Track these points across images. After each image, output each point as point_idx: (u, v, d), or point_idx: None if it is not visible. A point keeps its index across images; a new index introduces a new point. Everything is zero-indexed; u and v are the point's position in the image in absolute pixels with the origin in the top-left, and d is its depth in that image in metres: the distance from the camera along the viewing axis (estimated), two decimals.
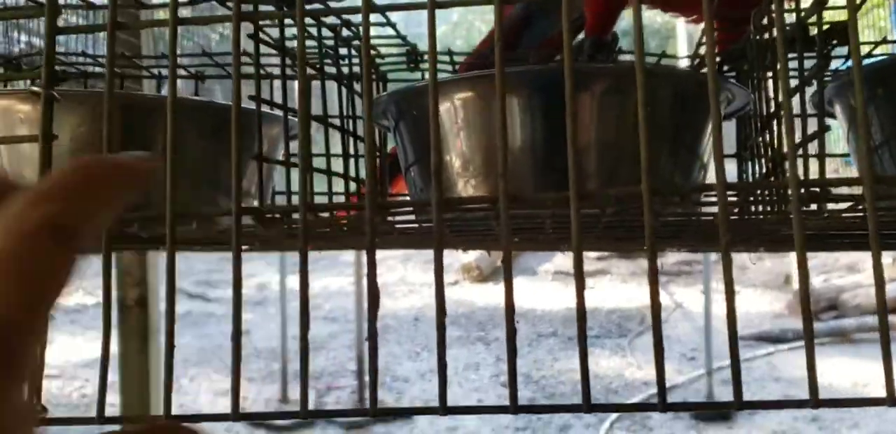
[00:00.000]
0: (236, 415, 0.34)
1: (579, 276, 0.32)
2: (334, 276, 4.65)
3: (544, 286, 4.72)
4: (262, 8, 0.44)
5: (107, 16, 0.32)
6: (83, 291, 4.75)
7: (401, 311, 4.42)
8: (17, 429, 0.20)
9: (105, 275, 0.35)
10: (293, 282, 3.77)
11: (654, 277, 0.31)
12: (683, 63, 0.86)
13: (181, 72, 0.63)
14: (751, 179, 0.53)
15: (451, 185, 0.43)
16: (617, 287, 4.80)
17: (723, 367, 3.34)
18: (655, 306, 0.31)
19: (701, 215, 0.44)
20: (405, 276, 5.10)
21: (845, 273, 4.94)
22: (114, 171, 0.23)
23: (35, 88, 0.35)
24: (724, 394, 3.02)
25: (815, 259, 4.57)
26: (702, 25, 0.67)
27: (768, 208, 0.43)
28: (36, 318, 0.20)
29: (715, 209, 0.33)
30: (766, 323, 4.32)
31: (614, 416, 2.88)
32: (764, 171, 0.50)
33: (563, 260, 4.83)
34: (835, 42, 0.58)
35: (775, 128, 0.47)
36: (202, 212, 0.37)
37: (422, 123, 0.44)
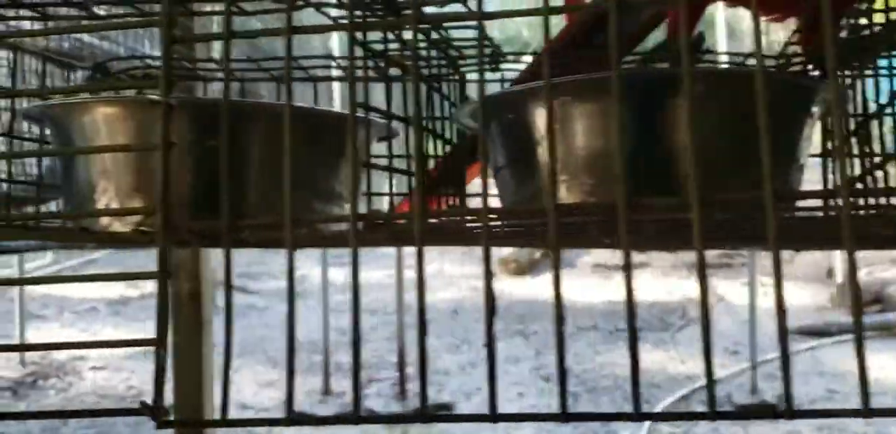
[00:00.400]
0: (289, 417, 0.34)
1: (702, 278, 0.31)
2: (373, 268, 4.67)
3: (584, 279, 4.70)
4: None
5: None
6: (126, 284, 4.82)
7: (439, 304, 4.43)
8: None
9: (226, 274, 0.36)
10: (334, 274, 3.78)
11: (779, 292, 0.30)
12: (723, 59, 0.85)
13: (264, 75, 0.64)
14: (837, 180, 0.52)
15: (546, 191, 0.43)
16: (658, 280, 4.76)
17: (766, 360, 3.31)
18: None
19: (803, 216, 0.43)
20: (442, 268, 5.11)
21: (890, 266, 4.87)
22: None
23: (154, 97, 0.35)
24: (768, 389, 2.99)
25: (860, 252, 4.50)
26: (774, 24, 0.66)
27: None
28: None
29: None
30: (809, 316, 4.27)
31: (658, 409, 2.86)
32: (857, 173, 0.49)
33: (603, 253, 4.81)
34: None
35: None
36: (316, 218, 0.37)
37: (516, 128, 0.44)
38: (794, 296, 4.69)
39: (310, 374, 3.24)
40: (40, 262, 4.80)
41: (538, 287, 4.71)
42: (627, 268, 0.31)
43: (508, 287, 4.77)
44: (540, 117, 0.42)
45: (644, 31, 0.57)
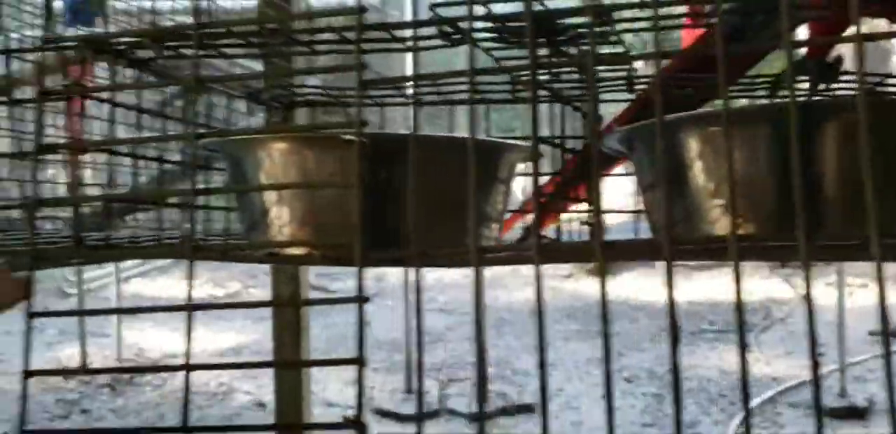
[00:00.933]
0: None
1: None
2: (447, 268, 4.69)
3: (663, 279, 4.66)
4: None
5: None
6: (212, 283, 4.96)
7: (516, 304, 4.44)
8: None
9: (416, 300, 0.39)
10: (412, 273, 3.83)
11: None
12: None
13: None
14: None
15: (700, 214, 0.45)
16: (738, 280, 4.69)
17: (854, 362, 3.24)
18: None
19: None
20: (518, 267, 5.12)
21: None
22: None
23: (349, 136, 0.38)
24: (857, 391, 2.93)
25: None
26: None
27: None
28: None
29: None
30: None
31: (743, 413, 2.83)
32: None
33: None
34: None
35: None
36: (448, 250, 0.40)
37: (668, 153, 0.46)
38: (890, 296, 4.56)
39: (391, 372, 3.30)
40: (130, 261, 4.96)
41: (619, 287, 4.69)
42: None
43: (585, 287, 4.76)
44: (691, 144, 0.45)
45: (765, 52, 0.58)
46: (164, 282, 5.11)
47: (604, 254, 0.35)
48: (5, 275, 0.42)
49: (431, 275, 4.61)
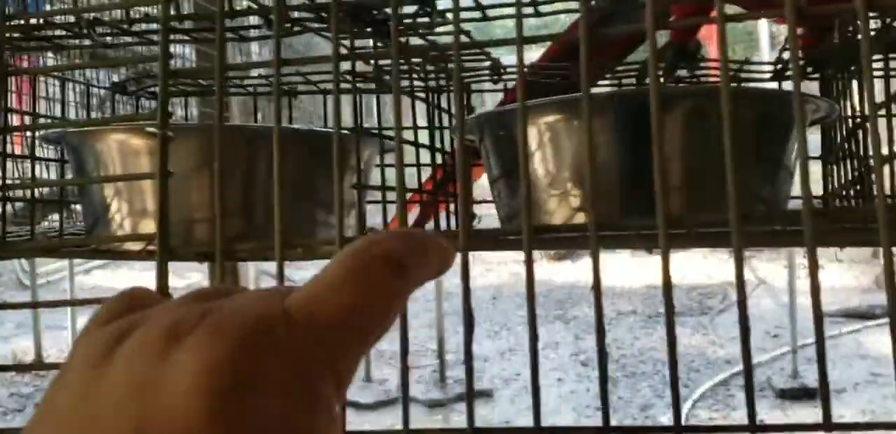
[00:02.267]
0: None
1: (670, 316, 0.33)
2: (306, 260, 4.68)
3: (624, 263, 4.69)
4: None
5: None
6: (173, 274, 4.91)
7: (478, 291, 4.45)
8: None
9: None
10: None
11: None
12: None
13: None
14: (836, 184, 0.54)
15: (538, 204, 0.46)
16: (698, 263, 4.74)
17: (808, 344, 3.29)
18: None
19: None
20: (481, 254, 5.13)
21: None
22: (437, 246, 0.27)
23: (151, 129, 0.38)
24: (810, 372, 2.98)
25: None
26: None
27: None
28: (356, 326, 0.24)
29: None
30: (853, 298, 4.22)
31: (696, 395, 2.87)
32: (850, 176, 0.51)
33: None
34: None
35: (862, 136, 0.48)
36: (306, 242, 0.40)
37: (509, 143, 0.47)
38: (838, 277, 4.63)
39: None
40: None
41: (578, 272, 4.71)
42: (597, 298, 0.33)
43: (549, 272, 4.78)
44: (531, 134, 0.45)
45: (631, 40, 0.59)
46: (126, 273, 5.07)
47: (465, 243, 0.35)
48: None
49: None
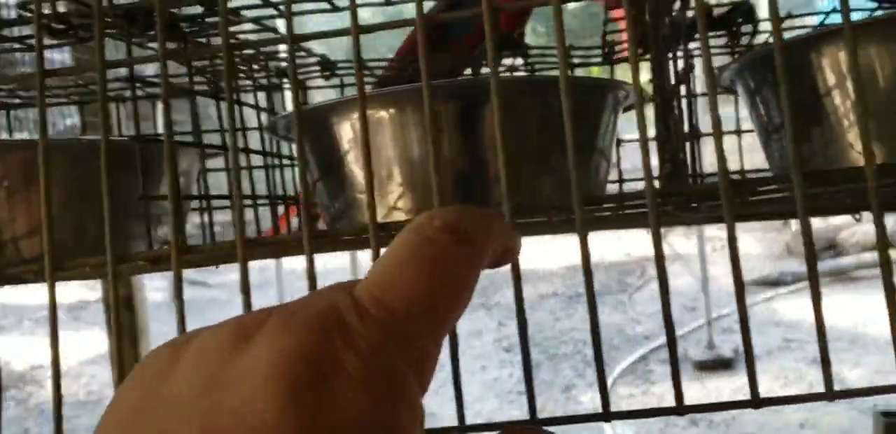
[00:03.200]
0: None
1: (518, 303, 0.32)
2: (332, 255, 4.67)
3: (544, 245, 4.73)
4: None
5: None
6: (86, 287, 4.78)
7: None
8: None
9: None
10: (291, 263, 3.78)
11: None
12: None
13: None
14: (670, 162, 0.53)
15: (357, 204, 0.44)
16: (616, 241, 4.81)
17: (723, 315, 3.37)
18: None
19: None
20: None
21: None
22: (498, 218, 0.26)
23: None
24: (725, 343, 3.05)
25: None
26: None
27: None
28: (430, 305, 0.22)
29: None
30: (766, 266, 4.34)
31: (617, 372, 2.91)
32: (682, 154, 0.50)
33: None
34: (740, 21, 0.57)
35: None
36: (86, 263, 0.38)
37: (325, 141, 0.45)
38: (750, 246, 4.76)
39: None
40: None
41: None
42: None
43: None
44: (345, 131, 0.43)
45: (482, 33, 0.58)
46: (36, 288, 4.91)
47: (243, 248, 0.33)
48: None
49: (331, 260, 4.55)
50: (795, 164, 0.33)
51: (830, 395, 0.33)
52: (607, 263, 4.49)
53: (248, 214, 0.59)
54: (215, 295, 4.35)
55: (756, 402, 0.33)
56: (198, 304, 4.18)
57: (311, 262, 0.36)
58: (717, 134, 0.33)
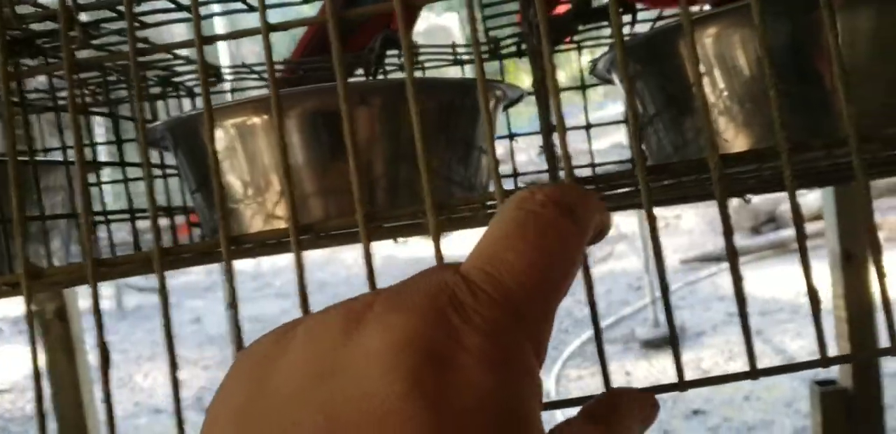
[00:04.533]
0: None
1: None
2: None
3: (474, 233, 4.75)
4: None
5: None
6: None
7: (353, 278, 4.45)
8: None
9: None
10: (240, 264, 3.77)
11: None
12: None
13: None
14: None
15: (237, 212, 0.44)
16: None
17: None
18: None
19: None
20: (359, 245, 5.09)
21: None
22: (595, 197, 0.25)
23: None
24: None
25: None
26: None
27: None
28: (541, 279, 0.22)
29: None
30: (708, 243, 4.41)
31: (566, 354, 2.94)
32: None
33: None
34: (620, 10, 0.58)
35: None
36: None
37: (198, 151, 0.45)
38: (692, 221, 4.83)
39: (223, 367, 3.22)
40: None
41: (451, 247, 4.74)
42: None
43: (423, 251, 4.80)
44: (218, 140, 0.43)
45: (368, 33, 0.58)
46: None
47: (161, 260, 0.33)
48: None
49: (266, 260, 4.52)
50: (640, 162, 0.34)
51: (754, 373, 0.34)
52: None
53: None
54: None
55: (682, 385, 0.34)
56: (145, 311, 4.13)
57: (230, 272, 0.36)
58: (635, 123, 0.34)
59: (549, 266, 0.22)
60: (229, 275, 0.36)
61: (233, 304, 0.37)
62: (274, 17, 0.37)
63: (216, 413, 0.22)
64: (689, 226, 4.78)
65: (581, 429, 0.24)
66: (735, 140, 0.42)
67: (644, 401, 0.26)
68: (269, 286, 4.55)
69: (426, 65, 0.69)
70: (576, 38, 0.67)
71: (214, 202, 0.47)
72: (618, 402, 0.26)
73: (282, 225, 0.44)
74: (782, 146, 0.31)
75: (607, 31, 0.66)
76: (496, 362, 0.20)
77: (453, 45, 0.67)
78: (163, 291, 0.37)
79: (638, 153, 0.34)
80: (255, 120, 0.44)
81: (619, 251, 4.35)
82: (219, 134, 0.44)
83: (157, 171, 0.62)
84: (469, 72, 0.70)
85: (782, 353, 2.67)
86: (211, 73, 0.63)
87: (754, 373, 0.35)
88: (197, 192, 0.48)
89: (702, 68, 0.42)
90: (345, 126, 0.33)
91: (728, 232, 0.33)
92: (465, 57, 0.68)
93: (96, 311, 0.36)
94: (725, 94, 0.41)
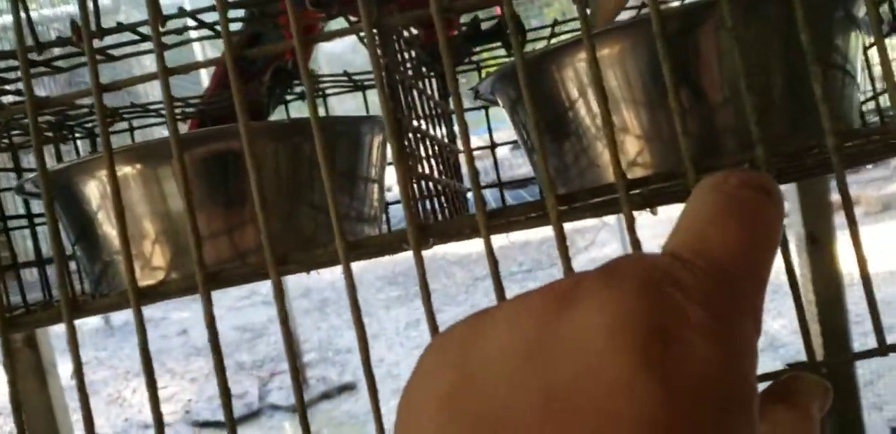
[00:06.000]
0: None
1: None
2: None
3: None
4: None
5: None
6: None
7: (338, 282, 4.43)
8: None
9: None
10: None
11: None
12: None
13: None
14: None
15: (114, 264, 0.43)
16: None
17: None
18: None
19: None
20: None
21: None
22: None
23: None
24: None
25: None
26: None
27: None
28: (752, 258, 0.22)
29: None
30: None
31: None
32: None
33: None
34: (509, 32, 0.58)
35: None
36: None
37: (74, 202, 0.44)
38: (673, 208, 4.83)
39: (210, 378, 3.21)
40: None
41: (434, 249, 4.74)
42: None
43: (407, 252, 4.79)
44: (92, 191, 0.42)
45: (268, 66, 0.57)
46: None
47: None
48: None
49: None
50: (548, 188, 0.34)
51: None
52: (538, 240, 4.53)
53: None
54: (149, 313, 4.28)
55: None
56: (132, 327, 4.09)
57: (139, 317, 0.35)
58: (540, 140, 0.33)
59: (756, 240, 0.22)
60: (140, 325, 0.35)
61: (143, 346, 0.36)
62: (182, 53, 0.36)
63: (419, 404, 0.21)
64: (670, 211, 4.79)
65: (766, 407, 0.26)
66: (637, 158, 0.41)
67: (822, 386, 0.27)
68: (255, 294, 4.54)
69: (327, 92, 0.68)
70: (474, 58, 0.66)
71: (93, 254, 0.46)
72: (799, 385, 0.27)
73: (161, 275, 0.43)
74: (688, 168, 0.31)
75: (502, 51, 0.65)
76: (720, 337, 0.20)
77: (348, 74, 0.66)
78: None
79: (547, 185, 0.33)
80: (128, 169, 0.42)
81: (601, 239, 4.36)
82: (93, 185, 0.43)
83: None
84: (371, 96, 0.70)
85: (764, 333, 2.67)
86: (109, 114, 0.62)
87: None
88: (76, 244, 0.47)
89: (577, 92, 0.42)
90: (249, 167, 0.32)
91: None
92: (367, 83, 0.67)
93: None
94: (597, 118, 0.41)
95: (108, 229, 0.43)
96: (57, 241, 0.36)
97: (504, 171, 0.68)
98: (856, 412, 1.35)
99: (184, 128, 0.67)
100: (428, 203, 0.54)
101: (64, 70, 0.52)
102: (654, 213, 0.60)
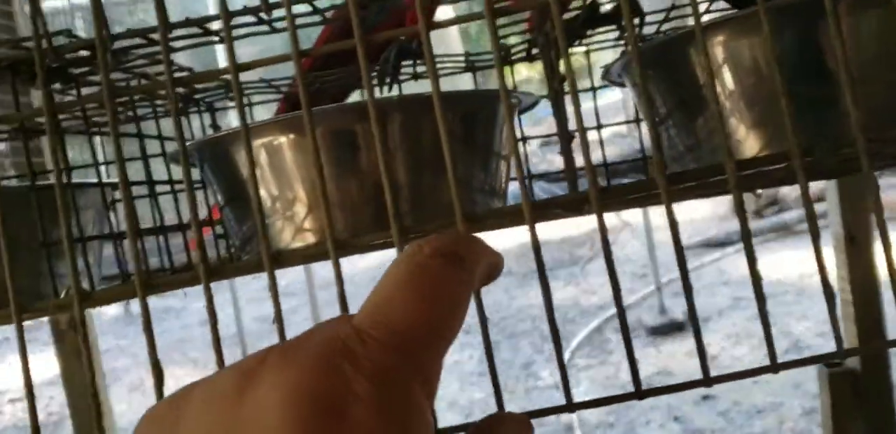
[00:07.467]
0: None
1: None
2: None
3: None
4: None
5: None
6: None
7: (359, 275, 4.45)
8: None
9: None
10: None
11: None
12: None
13: None
14: None
15: (273, 228, 0.45)
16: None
17: (673, 280, 3.43)
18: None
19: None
20: None
21: None
22: (482, 242, 0.27)
23: None
24: (676, 306, 3.11)
25: None
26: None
27: None
28: (430, 326, 0.23)
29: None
30: (712, 228, 4.42)
31: (574, 344, 2.95)
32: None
33: None
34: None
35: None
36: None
37: (231, 168, 0.46)
38: (695, 209, 4.83)
39: None
40: None
41: None
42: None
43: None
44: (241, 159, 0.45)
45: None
46: None
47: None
48: None
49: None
50: (659, 170, 0.35)
51: (774, 367, 0.35)
52: (558, 238, 4.53)
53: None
54: (170, 303, 4.32)
55: (707, 381, 0.36)
56: (152, 315, 4.13)
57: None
58: (651, 126, 0.35)
59: (436, 308, 0.24)
60: (274, 290, 0.37)
61: (278, 318, 0.38)
62: (285, 37, 0.38)
63: None
64: (691, 211, 4.78)
65: None
66: (746, 140, 0.43)
67: (522, 423, 0.28)
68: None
69: (439, 72, 0.70)
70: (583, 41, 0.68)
71: (244, 217, 0.48)
72: (498, 426, 0.28)
73: (311, 238, 0.46)
74: (794, 152, 0.33)
75: (612, 35, 0.67)
76: (385, 405, 0.21)
77: (467, 54, 0.68)
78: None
79: (658, 163, 0.35)
80: (282, 139, 0.44)
81: (622, 240, 4.36)
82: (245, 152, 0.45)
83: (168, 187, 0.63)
84: (480, 78, 0.72)
85: (789, 335, 2.68)
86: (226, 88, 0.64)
87: (774, 367, 0.36)
88: (226, 206, 0.49)
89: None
90: (376, 142, 0.34)
91: (745, 225, 0.35)
92: (478, 64, 0.69)
93: (147, 328, 0.38)
94: (735, 97, 0.42)
95: (264, 193, 0.45)
96: (193, 206, 0.38)
97: (533, 166, 0.70)
98: (890, 413, 1.35)
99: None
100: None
101: (179, 49, 0.53)
102: (757, 195, 0.62)
